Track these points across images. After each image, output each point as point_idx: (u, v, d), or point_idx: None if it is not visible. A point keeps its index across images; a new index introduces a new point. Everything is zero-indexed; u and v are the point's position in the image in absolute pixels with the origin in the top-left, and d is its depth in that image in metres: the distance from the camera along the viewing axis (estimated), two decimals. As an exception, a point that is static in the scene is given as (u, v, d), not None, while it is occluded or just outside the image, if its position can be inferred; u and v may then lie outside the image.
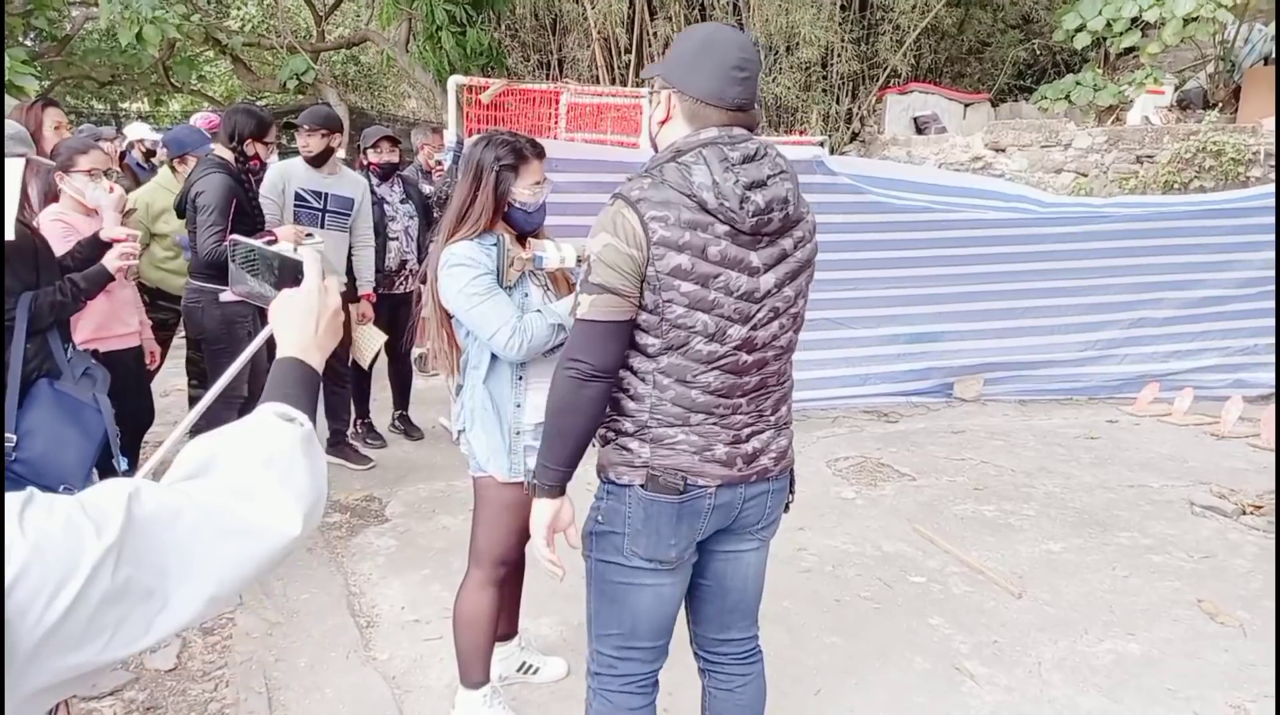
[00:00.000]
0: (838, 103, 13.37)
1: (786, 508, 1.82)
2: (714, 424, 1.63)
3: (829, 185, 5.40)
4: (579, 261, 2.16)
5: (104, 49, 8.51)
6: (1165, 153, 8.67)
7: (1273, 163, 8.07)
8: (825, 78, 13.29)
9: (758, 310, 1.60)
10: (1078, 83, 11.49)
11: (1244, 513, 3.87)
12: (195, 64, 10.47)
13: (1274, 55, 8.80)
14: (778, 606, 3.12)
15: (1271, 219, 5.81)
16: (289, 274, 1.20)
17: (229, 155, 3.53)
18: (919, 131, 12.32)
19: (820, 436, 5.04)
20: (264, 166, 3.78)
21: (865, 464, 4.62)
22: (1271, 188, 6.35)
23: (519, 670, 2.64)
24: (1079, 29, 11.37)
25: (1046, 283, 5.78)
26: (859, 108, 13.19)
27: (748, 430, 1.67)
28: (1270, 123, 8.80)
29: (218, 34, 8.73)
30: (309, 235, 3.89)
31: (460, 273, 2.06)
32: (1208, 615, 3.08)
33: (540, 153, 2.19)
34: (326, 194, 4.13)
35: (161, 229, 3.77)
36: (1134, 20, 11.00)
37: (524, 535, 2.27)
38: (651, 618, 1.74)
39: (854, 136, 13.31)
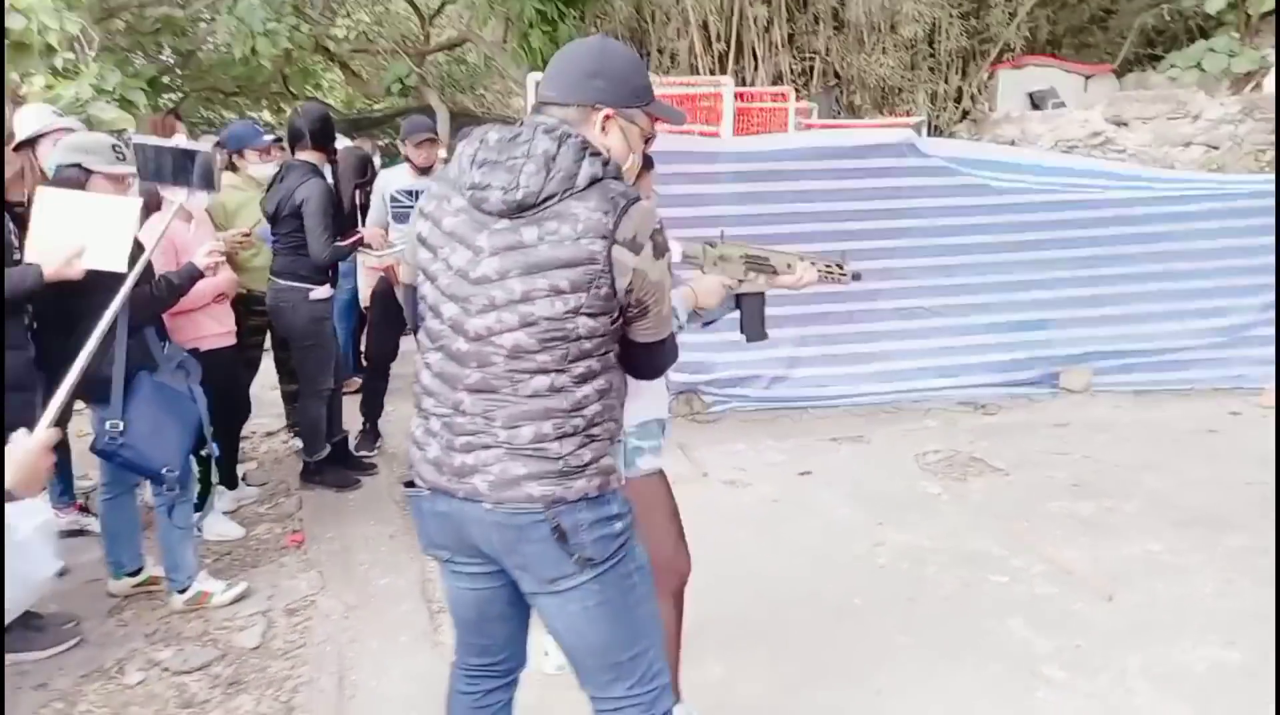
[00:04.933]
0: (946, 81, 12.87)
1: (582, 563, 1.54)
2: (440, 419, 1.57)
3: (920, 168, 5.23)
4: (685, 257, 2.11)
5: (226, 61, 9.06)
6: (1310, 121, 7.96)
7: None
8: (933, 54, 12.81)
9: (472, 293, 1.52)
10: (1210, 49, 10.67)
11: (1377, 514, 3.53)
12: (312, 73, 11.02)
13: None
14: (847, 603, 3.06)
15: None
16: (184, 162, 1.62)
17: (316, 158, 3.71)
18: (1035, 107, 11.71)
19: (909, 429, 4.89)
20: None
21: (956, 458, 4.45)
22: None
23: None
24: (1214, -11, 10.57)
25: (1163, 265, 5.43)
26: (969, 85, 12.65)
27: (465, 439, 1.54)
28: None
29: (327, 42, 9.14)
30: (390, 242, 4.06)
31: None
32: (1323, 625, 2.83)
33: (651, 164, 2.13)
34: (417, 192, 4.28)
35: (240, 226, 3.98)
36: (1276, -24, 10.12)
37: (673, 532, 2.18)
38: (454, 609, 1.74)
39: (964, 115, 12.79)
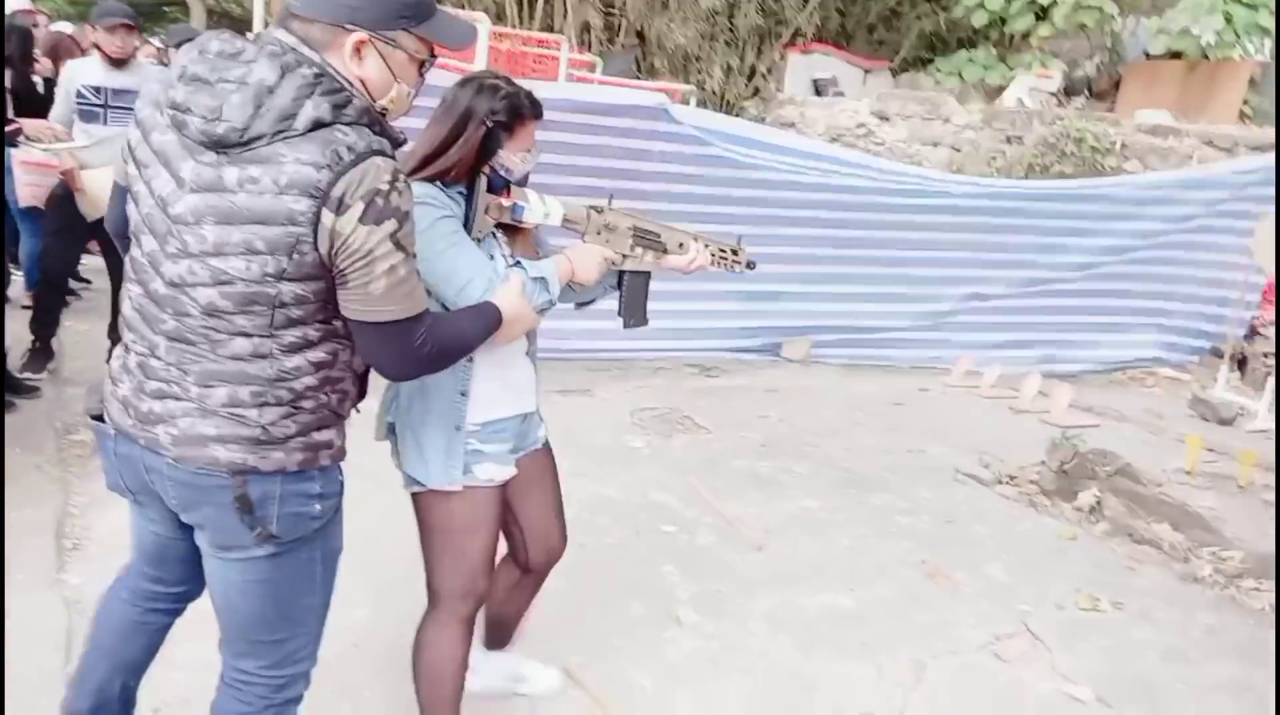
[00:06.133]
0: (741, 58, 13.28)
1: (263, 538, 1.43)
2: (137, 357, 1.42)
3: (673, 135, 5.35)
4: (565, 222, 1.88)
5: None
6: (1034, 135, 8.87)
7: (1128, 153, 8.35)
8: (731, 29, 13.16)
9: (169, 231, 1.33)
10: (970, 60, 11.66)
11: (1000, 482, 4.04)
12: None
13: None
14: (517, 548, 3.12)
15: (1098, 208, 6.06)
16: None
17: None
18: (817, 93, 12.34)
19: (635, 386, 5.06)
20: None
21: (669, 416, 4.65)
22: (1103, 180, 6.61)
23: (507, 680, 2.37)
24: (978, 6, 11.47)
25: (882, 251, 5.89)
26: (761, 64, 13.13)
27: (157, 385, 1.40)
28: (1143, 114, 9.09)
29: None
30: (57, 139, 3.65)
31: (420, 212, 1.65)
32: (928, 575, 3.20)
33: (538, 112, 1.82)
34: (107, 89, 3.84)
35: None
36: (1030, 2, 11.13)
37: (486, 559, 1.93)
38: (135, 537, 1.63)
39: (755, 92, 13.27)
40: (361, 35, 1.33)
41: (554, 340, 5.44)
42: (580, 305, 2.05)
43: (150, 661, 1.76)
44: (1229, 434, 5.20)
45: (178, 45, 4.16)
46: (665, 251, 1.99)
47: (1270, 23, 9.10)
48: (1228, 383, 5.91)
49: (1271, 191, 6.19)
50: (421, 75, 1.46)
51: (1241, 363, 6.42)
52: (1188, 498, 4.01)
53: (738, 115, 11.80)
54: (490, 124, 1.73)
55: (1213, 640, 2.95)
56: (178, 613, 1.74)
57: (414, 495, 1.88)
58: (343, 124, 1.30)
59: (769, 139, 5.75)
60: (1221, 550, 3.56)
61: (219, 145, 1.28)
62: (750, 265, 2.15)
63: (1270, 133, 7.93)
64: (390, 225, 1.30)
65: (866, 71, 12.82)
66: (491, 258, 1.78)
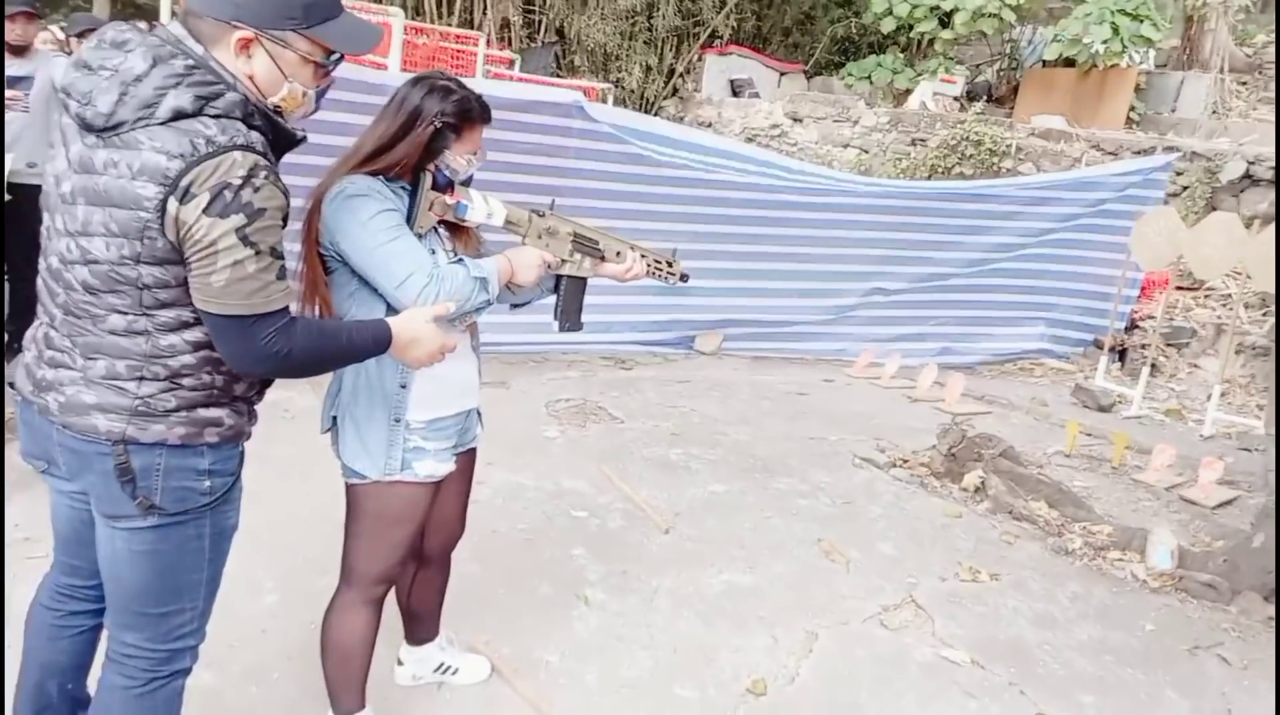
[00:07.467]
0: (660, 58, 13.47)
1: (146, 508, 1.48)
2: (44, 327, 1.51)
3: (589, 132, 5.46)
4: (507, 223, 1.90)
5: None
6: (937, 138, 9.26)
7: (1022, 156, 8.79)
8: (650, 29, 13.33)
9: (57, 209, 1.42)
10: (879, 64, 12.05)
11: (894, 466, 4.27)
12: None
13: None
14: (430, 534, 3.20)
15: (992, 208, 6.40)
16: None
17: None
18: (734, 94, 12.60)
19: (550, 378, 5.16)
20: None
21: (584, 406, 4.77)
22: (996, 181, 6.98)
23: (436, 670, 2.42)
24: (886, 12, 11.88)
25: (790, 248, 6.12)
26: (680, 64, 13.33)
27: (53, 354, 1.49)
28: (1038, 119, 9.57)
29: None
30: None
31: (363, 204, 1.72)
32: (824, 553, 3.39)
33: (487, 117, 1.86)
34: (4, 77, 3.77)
35: None
36: (934, 9, 11.58)
37: (409, 547, 2.00)
38: (54, 522, 1.67)
39: (674, 92, 13.47)
40: (247, 33, 1.38)
41: (470, 334, 5.53)
42: (515, 306, 2.10)
43: (88, 664, 1.77)
44: (1107, 420, 5.58)
45: (80, 35, 4.12)
46: (603, 258, 2.03)
47: (1155, 35, 9.69)
48: (1108, 372, 6.33)
49: (1149, 193, 6.66)
50: (321, 77, 1.50)
51: (1122, 354, 6.87)
52: (1065, 478, 4.32)
53: (657, 114, 12.00)
54: (439, 124, 1.78)
55: (1077, 606, 3.22)
56: (100, 615, 1.72)
57: (349, 486, 1.93)
58: (208, 116, 1.34)
59: (683, 137, 5.91)
60: (1091, 525, 3.85)
61: (89, 128, 1.35)
62: (684, 278, 2.19)
63: (1148, 138, 8.47)
64: (237, 219, 1.32)
65: (781, 74, 13.14)
66: (433, 253, 1.80)
